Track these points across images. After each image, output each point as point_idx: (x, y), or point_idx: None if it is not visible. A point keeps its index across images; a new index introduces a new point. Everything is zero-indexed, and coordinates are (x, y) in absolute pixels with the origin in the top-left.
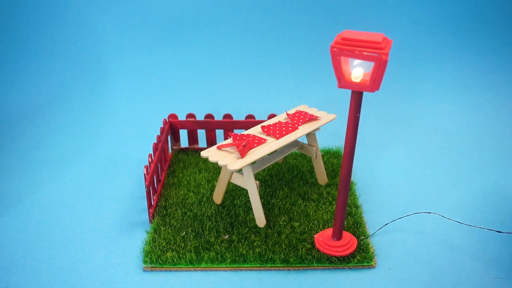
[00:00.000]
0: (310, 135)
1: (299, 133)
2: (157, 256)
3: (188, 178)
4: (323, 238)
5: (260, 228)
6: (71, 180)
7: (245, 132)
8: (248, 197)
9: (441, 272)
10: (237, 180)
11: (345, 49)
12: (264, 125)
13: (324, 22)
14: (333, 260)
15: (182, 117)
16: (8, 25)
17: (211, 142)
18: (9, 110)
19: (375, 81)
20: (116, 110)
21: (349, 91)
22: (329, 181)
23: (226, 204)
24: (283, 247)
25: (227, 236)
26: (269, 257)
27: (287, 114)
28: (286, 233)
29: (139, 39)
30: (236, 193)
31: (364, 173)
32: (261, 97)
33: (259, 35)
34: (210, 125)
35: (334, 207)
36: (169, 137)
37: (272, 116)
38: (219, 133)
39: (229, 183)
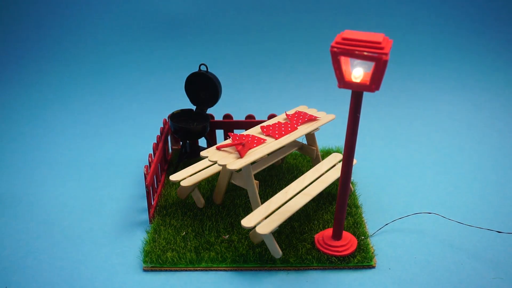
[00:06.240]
0: (310, 136)
1: (298, 133)
2: (157, 256)
3: None
4: (323, 238)
5: None
6: (71, 180)
7: (245, 133)
8: (248, 197)
9: (441, 272)
10: (237, 180)
11: (345, 49)
12: (264, 126)
13: (324, 22)
14: (333, 260)
15: None
16: (8, 25)
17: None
18: (9, 110)
19: (375, 81)
20: (116, 110)
21: (349, 91)
22: None
23: (226, 204)
24: (283, 247)
25: (227, 236)
26: (269, 257)
27: (287, 115)
28: (286, 233)
29: (139, 39)
30: (236, 193)
31: (364, 173)
32: (261, 97)
33: (259, 35)
34: (210, 125)
35: (334, 207)
36: (169, 137)
37: (272, 116)
38: (219, 133)
39: (229, 183)
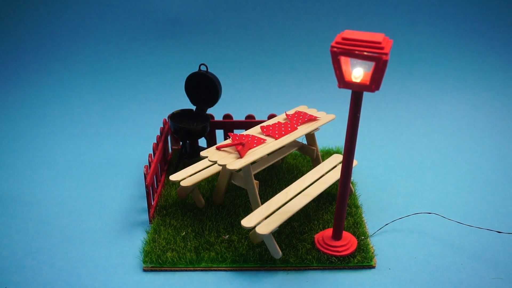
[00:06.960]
0: (310, 136)
1: (298, 133)
2: (157, 256)
3: None
4: (323, 238)
5: None
6: (71, 180)
7: (245, 133)
8: (248, 197)
9: (441, 272)
10: (237, 180)
11: (345, 49)
12: (264, 126)
13: (324, 22)
14: (333, 260)
15: None
16: (8, 25)
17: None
18: (9, 110)
19: (375, 81)
20: (116, 110)
21: (349, 91)
22: None
23: (226, 204)
24: (283, 247)
25: (227, 236)
26: (269, 257)
27: (287, 115)
28: (286, 233)
29: (139, 38)
30: (236, 193)
31: (364, 173)
32: (261, 97)
33: (259, 35)
34: (210, 125)
35: (334, 207)
36: (169, 137)
37: (272, 116)
38: (219, 133)
39: (229, 183)
